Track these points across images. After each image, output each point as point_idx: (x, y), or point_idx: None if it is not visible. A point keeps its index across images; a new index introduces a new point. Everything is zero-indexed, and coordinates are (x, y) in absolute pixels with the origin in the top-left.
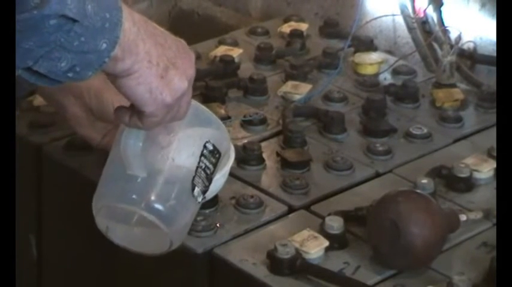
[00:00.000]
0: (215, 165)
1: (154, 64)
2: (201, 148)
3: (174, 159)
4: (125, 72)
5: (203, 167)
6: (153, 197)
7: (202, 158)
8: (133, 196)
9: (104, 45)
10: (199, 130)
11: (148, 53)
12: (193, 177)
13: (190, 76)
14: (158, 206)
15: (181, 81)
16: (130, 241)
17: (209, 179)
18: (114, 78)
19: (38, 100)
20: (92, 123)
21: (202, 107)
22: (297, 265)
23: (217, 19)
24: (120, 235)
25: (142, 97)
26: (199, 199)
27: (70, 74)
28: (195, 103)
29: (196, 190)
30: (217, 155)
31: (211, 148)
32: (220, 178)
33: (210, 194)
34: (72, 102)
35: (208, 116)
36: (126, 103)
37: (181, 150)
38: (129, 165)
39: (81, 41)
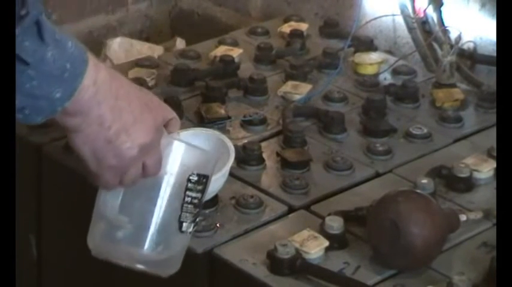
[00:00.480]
0: (203, 190)
1: (105, 128)
2: (185, 183)
3: (156, 205)
4: (72, 128)
5: (189, 201)
6: (143, 249)
7: (187, 192)
8: (123, 249)
9: (58, 95)
10: (180, 168)
11: (101, 117)
12: (180, 215)
13: (143, 144)
14: (148, 256)
15: (130, 148)
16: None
17: (198, 205)
18: (63, 129)
19: None
20: None
21: (179, 137)
22: (297, 265)
23: (217, 19)
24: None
25: (85, 156)
26: (190, 230)
27: (19, 115)
28: (169, 136)
29: (185, 225)
30: (204, 180)
31: (195, 178)
32: (220, 178)
33: (210, 194)
34: None
35: (189, 141)
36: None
37: (164, 194)
38: (112, 221)
39: (33, 85)
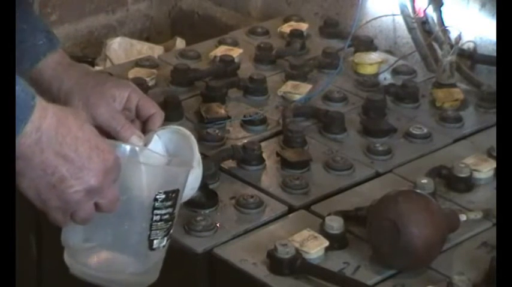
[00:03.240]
0: (174, 205)
1: (48, 173)
2: (151, 203)
3: (123, 229)
4: (16, 172)
5: (158, 219)
6: (114, 273)
7: (156, 211)
8: (96, 272)
9: None
10: (144, 190)
11: (44, 163)
12: (149, 234)
13: (90, 188)
14: (121, 278)
15: (76, 192)
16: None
17: (170, 219)
18: None
19: None
20: None
21: (157, 133)
22: (297, 265)
23: (217, 19)
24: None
25: (31, 198)
26: (163, 244)
27: None
28: (132, 159)
29: (156, 242)
30: (173, 195)
31: (162, 196)
32: (189, 191)
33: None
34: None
35: (166, 140)
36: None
37: (130, 218)
38: (78, 250)
39: None
